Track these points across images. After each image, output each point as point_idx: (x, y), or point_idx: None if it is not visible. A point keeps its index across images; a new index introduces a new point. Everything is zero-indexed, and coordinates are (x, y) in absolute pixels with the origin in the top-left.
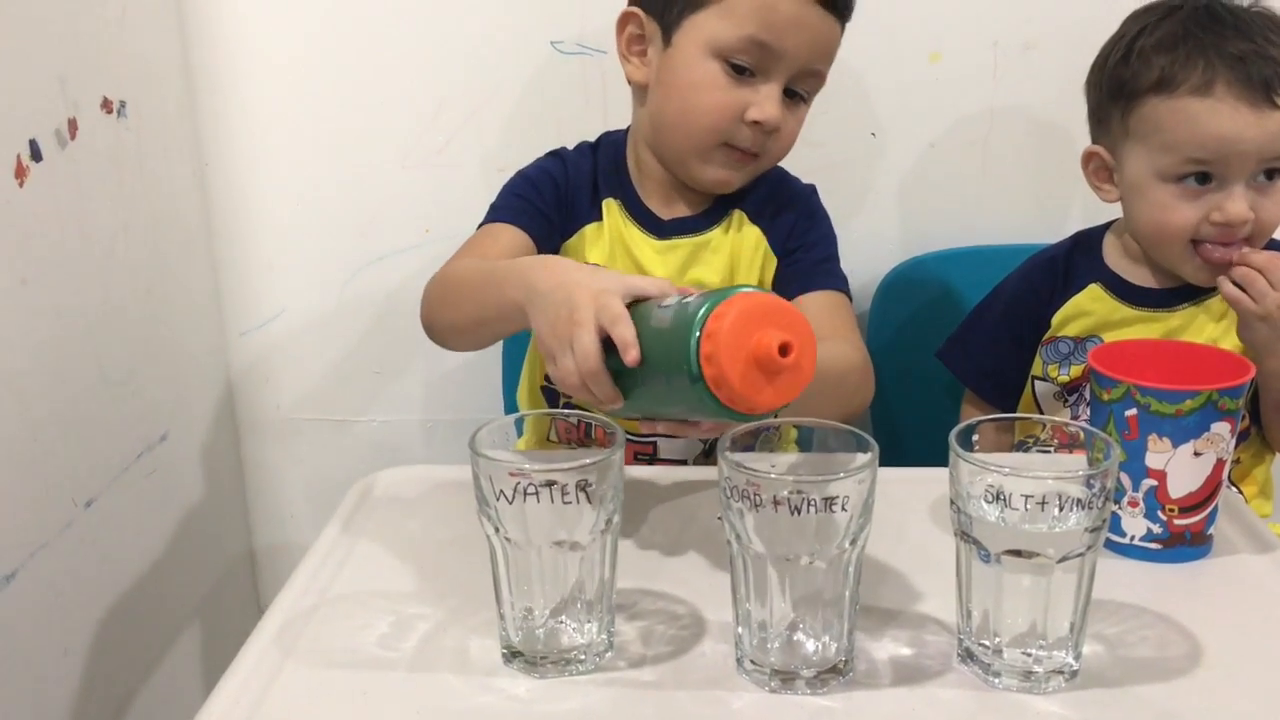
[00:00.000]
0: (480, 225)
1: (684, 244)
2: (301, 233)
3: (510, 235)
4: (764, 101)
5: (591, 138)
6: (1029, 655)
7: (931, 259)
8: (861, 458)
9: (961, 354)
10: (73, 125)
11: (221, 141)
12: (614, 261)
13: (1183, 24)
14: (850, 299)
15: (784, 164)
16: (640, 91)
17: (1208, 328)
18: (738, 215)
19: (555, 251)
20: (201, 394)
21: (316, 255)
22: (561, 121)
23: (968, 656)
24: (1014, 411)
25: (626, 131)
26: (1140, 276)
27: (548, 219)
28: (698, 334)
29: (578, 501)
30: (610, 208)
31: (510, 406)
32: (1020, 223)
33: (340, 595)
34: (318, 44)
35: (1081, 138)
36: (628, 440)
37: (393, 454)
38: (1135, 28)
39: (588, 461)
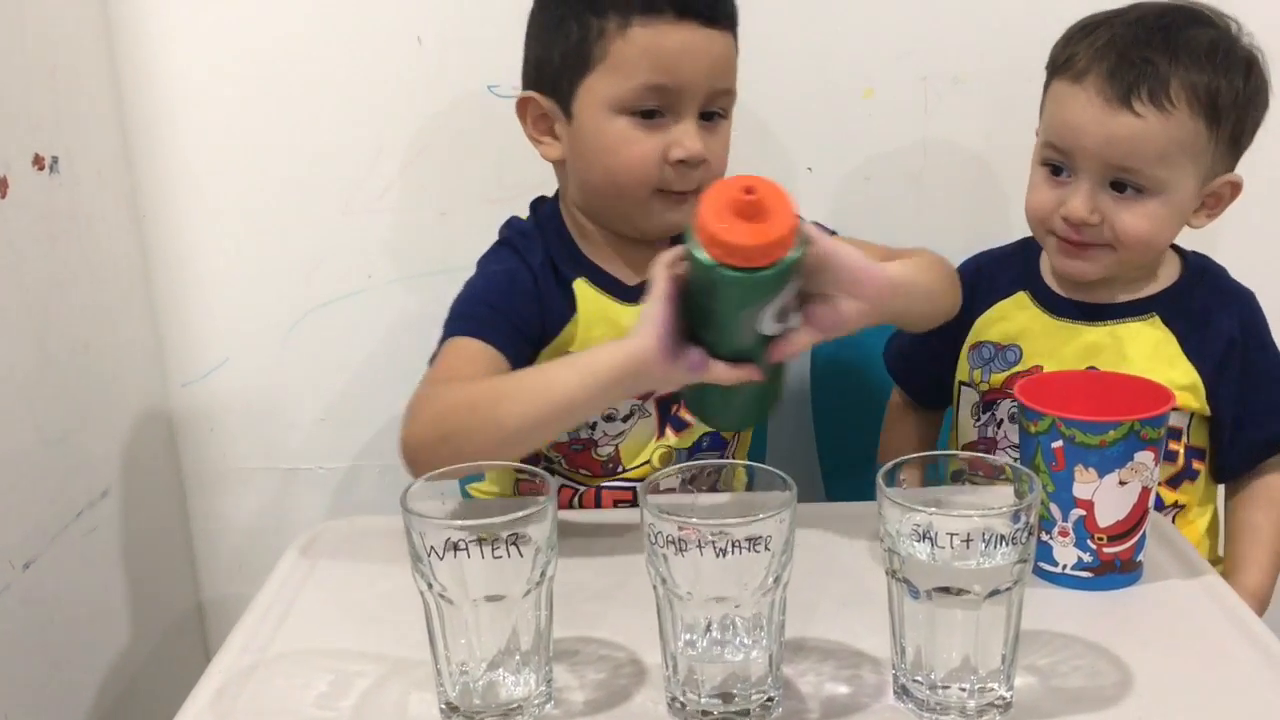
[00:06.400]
0: (447, 336)
1: None
2: (243, 281)
3: (485, 356)
4: (682, 138)
5: (531, 179)
6: (964, 690)
7: None
8: (780, 496)
9: (894, 349)
10: (3, 184)
11: (159, 192)
12: (603, 339)
13: (1125, 18)
14: None
15: None
16: (560, 169)
17: (1130, 348)
18: None
19: (530, 361)
20: (143, 447)
21: (259, 303)
22: (501, 164)
23: (903, 693)
24: (942, 412)
25: (555, 203)
26: (1069, 289)
27: (521, 332)
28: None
29: (509, 555)
30: (581, 288)
31: None
32: (954, 253)
33: (279, 653)
34: (255, 91)
35: (1011, 167)
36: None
37: (343, 501)
38: (1100, 16)
39: (518, 514)
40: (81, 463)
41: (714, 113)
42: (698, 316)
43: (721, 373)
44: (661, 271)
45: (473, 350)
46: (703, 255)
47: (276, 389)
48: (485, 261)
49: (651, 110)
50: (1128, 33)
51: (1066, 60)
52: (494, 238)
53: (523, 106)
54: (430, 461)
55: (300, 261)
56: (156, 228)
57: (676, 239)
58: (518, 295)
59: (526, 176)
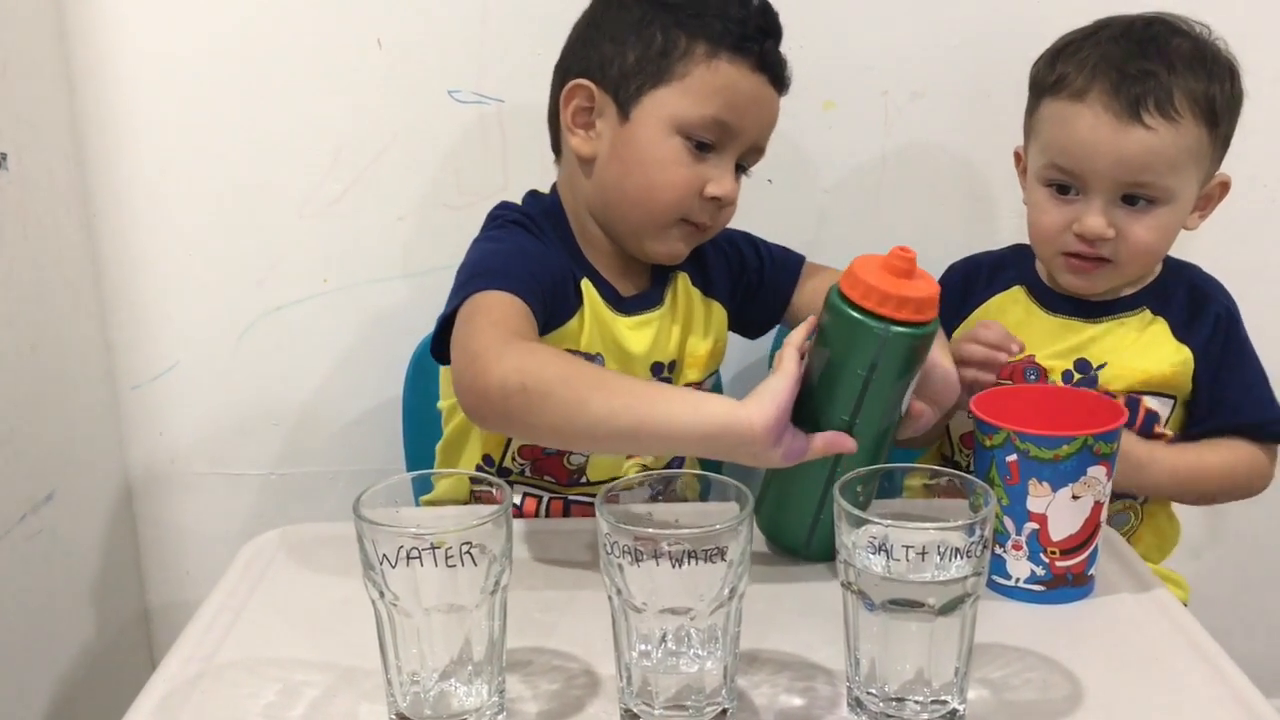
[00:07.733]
0: (478, 289)
1: (651, 318)
2: (196, 284)
3: (528, 316)
4: (722, 177)
5: (491, 187)
6: (917, 702)
7: None
8: (738, 508)
9: None
10: None
11: (111, 192)
12: (598, 345)
13: (1108, 34)
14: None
15: None
16: (585, 165)
17: (1124, 346)
18: (680, 278)
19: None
20: (90, 450)
21: (211, 306)
22: (460, 170)
23: (857, 705)
24: None
25: (555, 198)
26: (1064, 287)
27: (545, 306)
28: (835, 286)
29: (463, 563)
30: (588, 290)
31: (414, 455)
32: None
33: (227, 662)
34: (211, 92)
35: (969, 181)
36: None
37: (293, 507)
38: (1078, 34)
39: (472, 523)
40: (27, 465)
41: (742, 166)
42: (825, 398)
43: (839, 442)
44: (791, 353)
45: (517, 306)
46: (873, 320)
47: (228, 393)
48: (498, 234)
49: (706, 143)
50: (1117, 48)
51: (1058, 80)
52: (451, 243)
53: (571, 93)
54: (498, 407)
55: (254, 265)
56: (108, 227)
57: (663, 268)
58: (545, 270)
59: (486, 183)
